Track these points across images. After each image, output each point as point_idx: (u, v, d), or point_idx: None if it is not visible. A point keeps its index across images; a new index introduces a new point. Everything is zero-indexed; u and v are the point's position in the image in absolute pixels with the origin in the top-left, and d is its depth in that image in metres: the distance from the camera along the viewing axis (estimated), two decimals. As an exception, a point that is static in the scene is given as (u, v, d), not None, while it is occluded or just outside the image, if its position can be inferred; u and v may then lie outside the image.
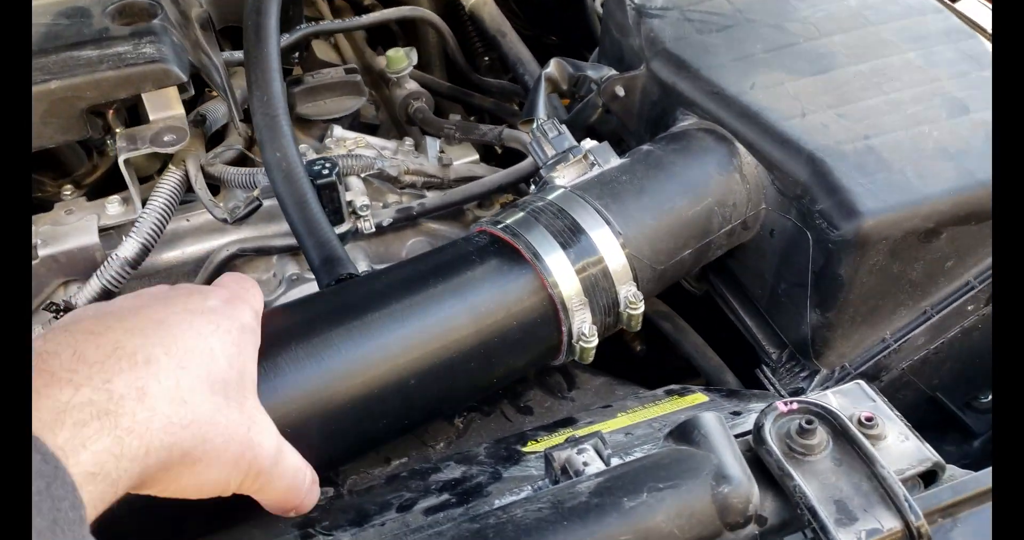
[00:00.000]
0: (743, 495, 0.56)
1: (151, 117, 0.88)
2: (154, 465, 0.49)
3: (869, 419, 0.62)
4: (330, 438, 0.65)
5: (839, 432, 0.61)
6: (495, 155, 1.30)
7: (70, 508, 0.42)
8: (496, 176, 1.00)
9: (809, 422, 0.60)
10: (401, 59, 1.13)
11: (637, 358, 1.15)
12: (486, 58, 1.52)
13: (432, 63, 1.41)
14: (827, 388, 0.86)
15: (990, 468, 0.61)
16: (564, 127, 0.84)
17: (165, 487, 0.53)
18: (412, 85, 1.16)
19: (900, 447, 0.62)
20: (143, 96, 0.86)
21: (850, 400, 0.66)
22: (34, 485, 0.40)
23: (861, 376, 0.85)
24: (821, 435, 0.60)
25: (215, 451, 0.53)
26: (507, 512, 0.56)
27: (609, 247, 0.75)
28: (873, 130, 0.81)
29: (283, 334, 0.65)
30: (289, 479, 0.58)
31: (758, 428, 0.61)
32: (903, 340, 0.84)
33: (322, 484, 0.71)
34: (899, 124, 0.81)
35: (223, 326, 0.57)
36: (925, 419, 0.96)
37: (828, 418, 0.62)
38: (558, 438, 0.73)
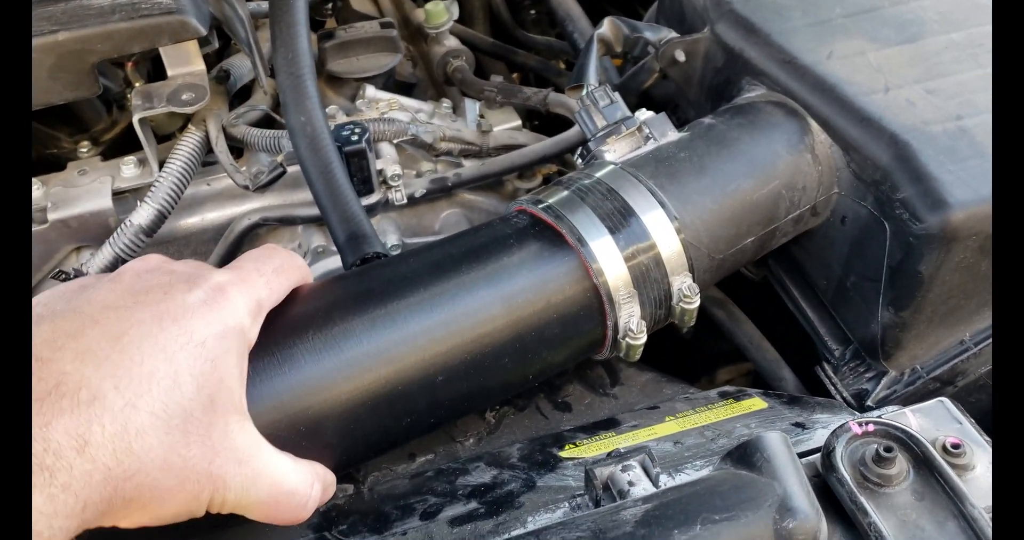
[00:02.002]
0: (809, 531, 0.49)
1: (169, 72, 0.81)
2: (93, 516, 0.45)
3: (956, 446, 0.55)
4: (348, 436, 0.59)
5: (921, 461, 0.54)
6: (539, 116, 1.22)
7: None
8: (539, 146, 0.93)
9: (888, 449, 0.53)
10: (441, 13, 1.05)
11: (683, 340, 1.09)
12: (532, 11, 1.43)
13: (475, 16, 1.32)
14: (895, 391, 0.79)
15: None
16: (617, 95, 0.76)
17: (115, 523, 0.48)
18: (452, 42, 1.08)
19: (991, 480, 0.54)
20: (160, 50, 0.79)
21: (932, 421, 0.58)
22: None
23: (934, 380, 0.77)
24: (901, 464, 0.53)
25: (168, 493, 0.47)
26: (540, 539, 0.50)
27: (663, 232, 0.67)
28: (967, 109, 0.72)
29: (301, 322, 0.59)
30: (267, 499, 0.52)
31: (828, 452, 0.54)
32: (985, 344, 0.75)
33: (341, 481, 0.66)
34: (997, 103, 0.72)
35: (197, 335, 0.49)
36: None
37: (909, 443, 0.54)
38: (598, 443, 0.67)
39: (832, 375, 0.82)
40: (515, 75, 1.37)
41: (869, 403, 0.79)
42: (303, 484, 0.54)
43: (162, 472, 0.47)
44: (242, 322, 0.53)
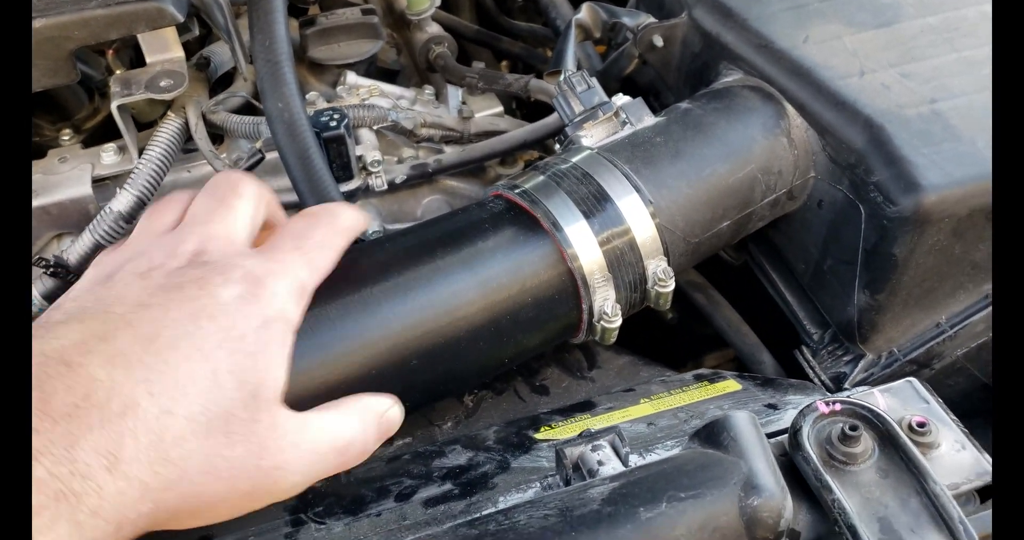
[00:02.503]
0: (774, 508, 0.50)
1: (148, 59, 0.81)
2: (131, 533, 0.42)
3: (921, 424, 0.56)
4: None
5: (886, 439, 0.54)
6: (524, 104, 1.22)
7: None
8: (519, 132, 0.93)
9: (853, 428, 0.53)
10: (422, 0, 1.05)
11: (668, 326, 1.09)
12: (519, -2, 1.43)
13: (460, 3, 1.32)
14: (872, 374, 0.80)
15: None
16: (594, 80, 0.76)
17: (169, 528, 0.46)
18: (434, 29, 1.08)
19: (955, 458, 0.55)
20: (139, 37, 0.79)
21: (900, 400, 0.59)
22: None
23: (911, 363, 0.78)
24: (866, 442, 0.54)
25: (216, 497, 0.45)
26: (509, 517, 0.51)
27: (637, 217, 0.68)
28: (941, 93, 0.72)
29: None
30: (335, 462, 0.52)
31: (795, 431, 0.55)
32: (961, 326, 0.76)
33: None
34: (972, 86, 0.72)
35: (235, 331, 0.47)
36: (979, 406, 0.89)
37: (875, 422, 0.55)
38: (574, 425, 0.68)
39: (811, 359, 0.82)
40: (503, 63, 1.37)
41: (846, 386, 0.79)
42: (358, 431, 0.54)
43: (206, 476, 0.44)
44: (283, 310, 0.50)
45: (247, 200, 0.57)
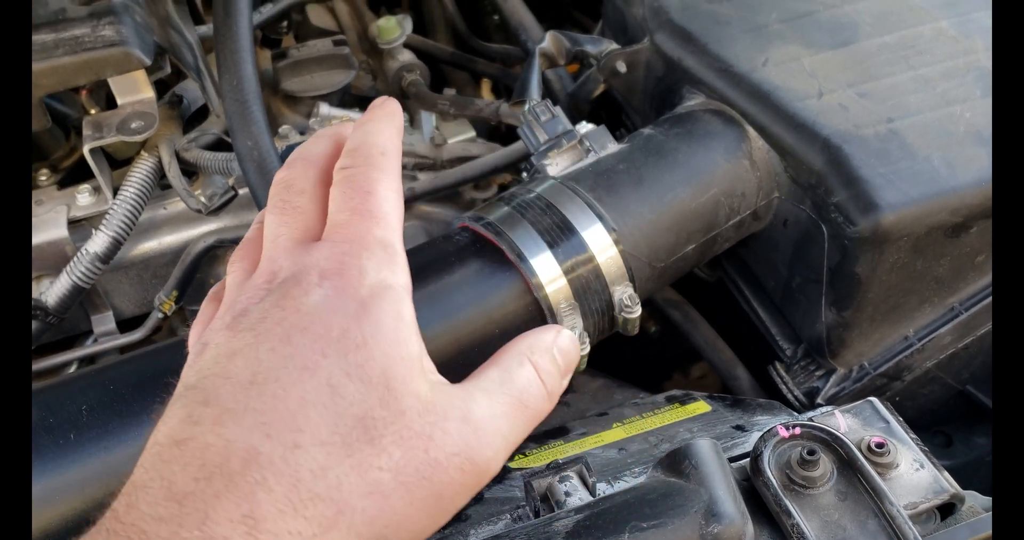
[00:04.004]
0: (735, 535, 0.51)
1: (119, 101, 0.83)
2: None
3: (879, 445, 0.56)
4: None
5: (845, 461, 0.55)
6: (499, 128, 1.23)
7: None
8: (491, 157, 0.94)
9: (811, 453, 0.54)
10: (393, 29, 1.06)
11: (651, 340, 1.10)
12: (495, 17, 1.44)
13: (436, 26, 1.33)
14: (844, 388, 0.81)
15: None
16: (558, 109, 0.77)
17: None
18: (406, 56, 1.09)
19: (913, 477, 0.56)
20: (109, 80, 0.80)
21: (860, 421, 0.60)
22: None
23: (882, 376, 0.79)
24: (825, 466, 0.55)
25: (398, 516, 0.39)
26: (475, 552, 0.52)
27: (601, 245, 0.69)
28: (898, 111, 0.73)
29: None
30: (525, 420, 0.47)
31: (756, 456, 0.56)
32: (928, 339, 0.77)
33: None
34: (927, 104, 0.74)
35: (334, 329, 0.41)
36: (955, 412, 0.90)
37: (833, 445, 0.56)
38: (548, 452, 0.68)
39: (784, 374, 0.84)
40: (483, 81, 1.38)
41: (819, 400, 0.81)
42: (530, 374, 0.49)
43: (370, 499, 0.38)
44: (379, 280, 0.44)
45: (297, 198, 0.49)
